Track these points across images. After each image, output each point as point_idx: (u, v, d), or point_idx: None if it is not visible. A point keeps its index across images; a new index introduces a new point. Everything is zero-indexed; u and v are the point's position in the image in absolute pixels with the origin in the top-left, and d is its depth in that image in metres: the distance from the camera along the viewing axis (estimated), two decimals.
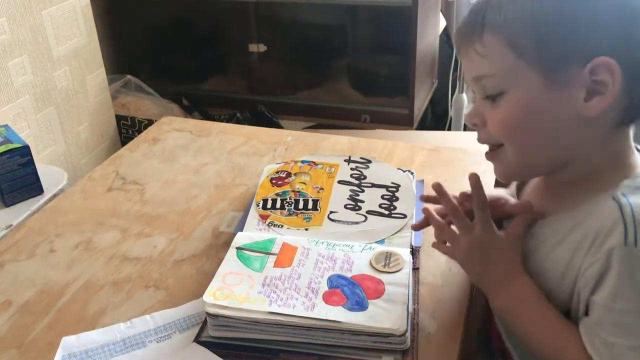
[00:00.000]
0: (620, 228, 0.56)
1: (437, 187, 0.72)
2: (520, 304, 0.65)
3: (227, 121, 1.89)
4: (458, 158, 1.08)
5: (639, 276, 0.55)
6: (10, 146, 1.11)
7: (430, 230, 0.87)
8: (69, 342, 0.69)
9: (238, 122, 1.83)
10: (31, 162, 1.14)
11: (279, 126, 1.95)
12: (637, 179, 0.61)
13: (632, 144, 0.64)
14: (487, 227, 0.69)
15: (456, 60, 2.12)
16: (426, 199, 0.77)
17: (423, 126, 2.11)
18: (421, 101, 2.03)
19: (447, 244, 0.73)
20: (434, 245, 0.75)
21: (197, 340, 0.69)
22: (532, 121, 0.61)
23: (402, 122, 1.94)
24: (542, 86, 0.59)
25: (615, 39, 0.57)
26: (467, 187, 0.99)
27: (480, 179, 0.70)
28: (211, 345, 0.68)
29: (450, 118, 2.15)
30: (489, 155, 0.68)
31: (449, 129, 2.17)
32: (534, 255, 0.66)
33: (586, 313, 0.60)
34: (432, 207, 0.75)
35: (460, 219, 0.70)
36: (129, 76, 1.89)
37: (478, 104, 0.66)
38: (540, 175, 0.70)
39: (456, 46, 0.69)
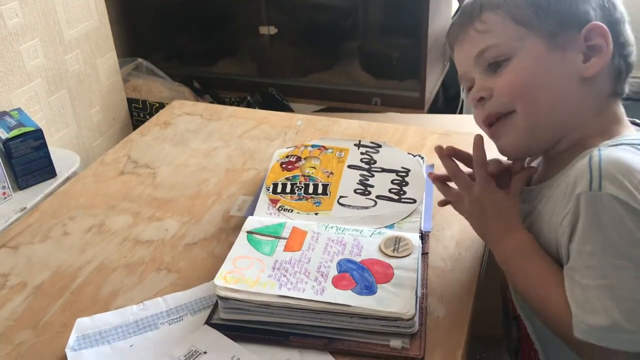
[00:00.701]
0: (587, 176, 0.59)
1: (438, 149, 0.76)
2: (516, 255, 0.68)
3: (238, 104, 1.88)
4: (469, 142, 1.06)
5: (603, 218, 0.58)
6: (24, 130, 1.12)
7: (439, 216, 0.87)
8: (83, 324, 0.71)
9: (248, 105, 1.83)
10: (44, 146, 1.15)
11: (289, 109, 1.94)
12: (617, 139, 0.65)
13: (625, 119, 0.69)
14: (485, 185, 0.72)
15: None
16: (435, 177, 0.79)
17: (435, 109, 2.09)
18: (433, 84, 2.01)
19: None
20: (440, 203, 0.80)
21: (209, 322, 0.70)
22: (539, 80, 0.66)
23: (414, 105, 1.92)
24: (545, 49, 0.66)
25: (601, 11, 0.66)
26: None
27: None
28: (222, 328, 0.69)
29: (462, 101, 2.13)
30: (496, 129, 0.70)
31: (461, 112, 2.15)
32: (530, 217, 0.70)
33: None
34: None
35: (460, 179, 0.74)
36: (140, 59, 1.88)
37: (480, 80, 0.70)
38: (543, 146, 0.71)
39: (452, 38, 0.74)
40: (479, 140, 0.73)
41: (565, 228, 0.62)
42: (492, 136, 0.72)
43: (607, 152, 0.60)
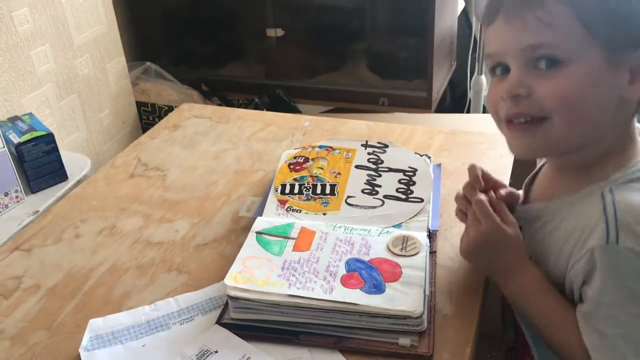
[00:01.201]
0: (602, 227, 0.59)
1: (471, 170, 0.75)
2: (526, 295, 0.68)
3: (246, 106, 1.90)
4: (476, 141, 1.08)
5: (621, 270, 0.58)
6: (35, 134, 1.14)
7: (447, 215, 0.88)
8: (96, 324, 0.72)
9: (256, 107, 1.84)
10: (55, 149, 1.17)
11: (297, 110, 1.95)
12: (629, 170, 0.63)
13: (636, 131, 0.66)
14: (489, 222, 0.69)
15: (475, 42, 2.09)
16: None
17: (442, 108, 2.10)
18: (439, 84, 2.02)
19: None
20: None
21: (219, 322, 0.71)
22: (589, 96, 0.61)
23: (421, 105, 1.93)
24: (601, 61, 0.60)
25: None
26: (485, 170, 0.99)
27: (483, 167, 0.74)
28: (233, 327, 0.70)
29: (469, 100, 2.14)
30: (521, 130, 0.64)
31: (468, 111, 2.15)
32: (538, 234, 0.69)
33: (581, 299, 0.64)
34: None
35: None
36: (148, 63, 1.90)
37: (521, 74, 0.62)
38: (561, 153, 0.67)
39: (493, 10, 0.64)
40: (472, 172, 0.72)
41: (579, 273, 0.62)
42: (512, 134, 0.66)
43: (621, 197, 0.60)
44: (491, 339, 0.82)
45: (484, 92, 2.03)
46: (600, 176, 0.64)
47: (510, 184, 0.91)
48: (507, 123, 0.66)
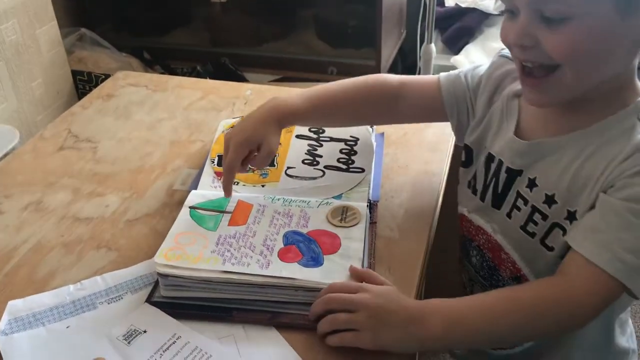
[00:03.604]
0: None
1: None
2: (455, 327, 0.62)
3: (189, 75, 1.83)
4: None
5: None
6: None
7: (388, 185, 0.86)
8: (15, 306, 0.67)
9: (199, 75, 1.77)
10: None
11: (243, 79, 1.90)
12: None
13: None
14: (359, 307, 0.62)
15: (424, 10, 2.07)
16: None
17: None
18: (389, 52, 1.99)
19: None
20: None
21: (149, 300, 0.67)
22: (600, 46, 0.61)
23: (370, 73, 1.90)
24: (614, 13, 0.59)
25: None
26: (428, 139, 0.99)
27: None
28: (163, 306, 0.67)
29: (419, 69, 2.12)
30: (538, 80, 0.65)
31: None
32: (549, 173, 0.68)
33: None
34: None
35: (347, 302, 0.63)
36: (83, 29, 1.80)
37: (527, 24, 0.62)
38: (575, 97, 0.66)
39: None
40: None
41: (620, 182, 0.62)
42: (525, 87, 0.67)
43: None
44: None
45: (434, 61, 2.02)
46: (621, 105, 0.64)
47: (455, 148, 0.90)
48: (521, 72, 0.66)
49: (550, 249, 0.69)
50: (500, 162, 0.73)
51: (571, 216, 0.67)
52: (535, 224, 0.70)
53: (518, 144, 0.71)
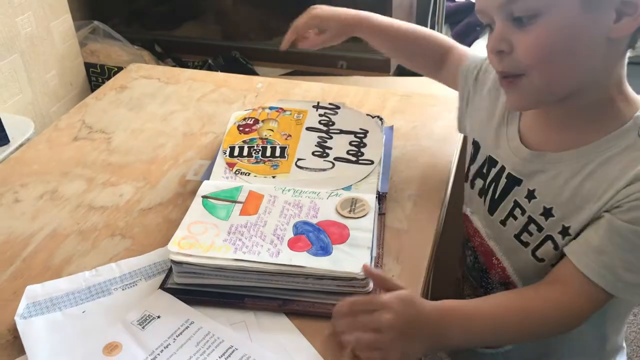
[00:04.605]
0: None
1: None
2: (471, 334, 0.66)
3: (200, 68, 1.84)
4: (429, 103, 1.07)
5: None
6: None
7: (397, 177, 0.87)
8: (33, 291, 0.69)
9: (210, 68, 1.79)
10: None
11: (254, 73, 1.90)
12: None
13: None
14: (394, 311, 0.62)
15: (435, 4, 2.07)
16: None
17: (402, 72, 2.08)
18: None
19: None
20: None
21: (163, 287, 0.69)
22: (567, 45, 0.61)
23: (379, 68, 1.90)
24: (579, 8, 0.59)
25: None
26: (437, 132, 1.00)
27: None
28: (176, 292, 0.68)
29: None
30: (508, 83, 0.66)
31: None
32: (548, 187, 0.69)
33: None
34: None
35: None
36: (96, 22, 1.82)
37: (502, 29, 0.63)
38: (555, 100, 0.67)
39: None
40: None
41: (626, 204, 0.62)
42: (504, 90, 0.69)
43: None
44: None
45: None
46: (618, 120, 0.65)
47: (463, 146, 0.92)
48: (499, 79, 0.68)
49: (541, 260, 0.71)
50: (503, 168, 0.74)
51: (564, 231, 0.68)
52: (530, 234, 0.71)
53: (523, 152, 0.72)
